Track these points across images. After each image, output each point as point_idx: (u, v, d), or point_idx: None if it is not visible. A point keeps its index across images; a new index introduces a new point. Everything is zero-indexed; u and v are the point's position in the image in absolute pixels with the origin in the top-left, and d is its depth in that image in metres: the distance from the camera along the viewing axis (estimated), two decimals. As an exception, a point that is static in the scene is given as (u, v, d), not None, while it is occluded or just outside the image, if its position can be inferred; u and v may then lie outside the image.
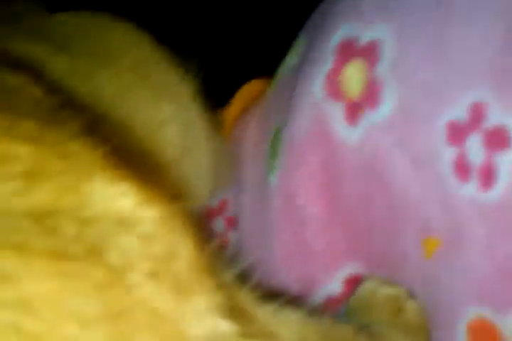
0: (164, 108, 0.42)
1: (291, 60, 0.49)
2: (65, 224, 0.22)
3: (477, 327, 0.35)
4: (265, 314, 0.30)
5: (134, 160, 0.28)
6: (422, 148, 0.38)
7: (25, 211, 0.21)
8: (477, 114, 0.35)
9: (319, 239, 0.44)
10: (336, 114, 0.42)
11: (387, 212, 0.40)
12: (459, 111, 0.36)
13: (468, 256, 0.36)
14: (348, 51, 0.42)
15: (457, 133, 0.36)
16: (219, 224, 0.50)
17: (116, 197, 0.24)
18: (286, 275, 0.45)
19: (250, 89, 0.52)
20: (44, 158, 0.23)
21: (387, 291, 0.41)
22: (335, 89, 0.42)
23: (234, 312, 0.26)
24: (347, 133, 0.42)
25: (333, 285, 0.44)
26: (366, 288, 0.42)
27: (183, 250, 0.25)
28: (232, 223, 0.49)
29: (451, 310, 0.37)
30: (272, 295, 0.32)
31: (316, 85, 0.43)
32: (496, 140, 0.34)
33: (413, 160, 0.38)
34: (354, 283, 0.44)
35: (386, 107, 0.39)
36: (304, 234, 0.44)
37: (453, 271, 0.36)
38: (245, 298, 0.29)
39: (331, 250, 0.44)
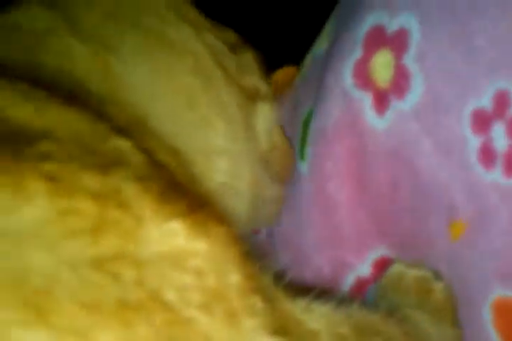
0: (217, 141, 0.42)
1: (318, 48, 0.50)
2: (126, 270, 0.24)
3: (501, 306, 0.36)
4: (299, 311, 0.32)
5: (185, 188, 0.30)
6: (448, 135, 0.39)
7: (91, 262, 0.23)
8: (501, 102, 0.36)
9: (349, 224, 0.45)
10: (364, 102, 0.43)
11: (414, 198, 0.42)
12: (483, 99, 0.37)
13: (492, 238, 0.37)
14: (377, 40, 0.43)
15: (482, 121, 0.37)
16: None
17: (169, 236, 0.25)
18: (318, 259, 0.47)
19: (278, 77, 0.53)
20: (103, 211, 0.24)
21: (415, 273, 0.43)
22: (364, 78, 0.43)
23: (280, 323, 0.28)
24: (375, 121, 0.43)
25: (363, 268, 0.46)
26: (395, 270, 0.44)
27: (234, 277, 0.27)
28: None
29: (476, 290, 0.38)
30: (303, 286, 0.34)
31: (345, 74, 0.44)
32: (520, 128, 0.35)
33: (440, 147, 0.40)
34: (383, 265, 0.45)
35: (413, 96, 0.41)
36: (334, 219, 0.46)
37: (478, 253, 0.38)
38: (283, 300, 0.31)
39: (361, 234, 0.45)
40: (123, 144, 0.28)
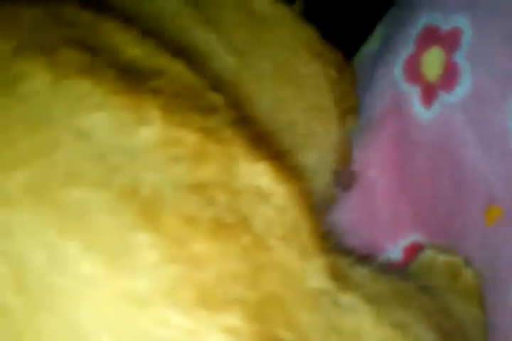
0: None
1: (370, 47, 0.53)
2: (221, 195, 0.27)
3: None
4: (346, 266, 0.35)
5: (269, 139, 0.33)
6: (491, 127, 0.42)
7: (191, 185, 0.26)
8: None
9: (387, 209, 0.48)
10: (413, 94, 0.46)
11: (453, 186, 0.44)
12: None
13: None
14: (430, 38, 0.46)
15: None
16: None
17: (257, 174, 0.29)
18: (352, 240, 0.49)
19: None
20: (205, 144, 0.27)
21: (445, 258, 0.45)
22: (414, 72, 0.46)
23: (333, 271, 0.31)
24: (422, 113, 0.46)
25: (395, 252, 0.48)
26: (427, 255, 0.46)
27: (305, 219, 0.30)
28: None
29: (506, 273, 0.41)
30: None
31: (396, 67, 0.47)
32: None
33: (482, 138, 0.42)
34: (414, 250, 0.48)
35: (461, 90, 0.44)
36: (373, 203, 0.48)
37: (511, 239, 0.40)
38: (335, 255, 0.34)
39: (397, 219, 0.48)
40: (219, 98, 0.31)
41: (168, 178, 0.26)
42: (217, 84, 0.36)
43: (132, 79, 0.27)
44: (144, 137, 0.26)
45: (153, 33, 0.35)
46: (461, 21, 0.44)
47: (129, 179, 0.25)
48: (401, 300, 0.36)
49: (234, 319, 0.24)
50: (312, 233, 0.30)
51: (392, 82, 0.47)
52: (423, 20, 0.47)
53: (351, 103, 0.49)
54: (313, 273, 0.29)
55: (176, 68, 0.31)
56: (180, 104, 0.28)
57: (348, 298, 0.30)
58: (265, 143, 0.30)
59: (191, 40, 0.39)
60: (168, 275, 0.24)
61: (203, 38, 0.40)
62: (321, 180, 0.46)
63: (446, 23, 0.45)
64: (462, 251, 0.45)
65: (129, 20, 0.35)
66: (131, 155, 0.25)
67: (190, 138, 0.27)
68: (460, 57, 0.44)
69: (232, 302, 0.24)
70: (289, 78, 0.44)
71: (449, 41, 0.45)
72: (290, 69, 0.45)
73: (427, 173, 0.46)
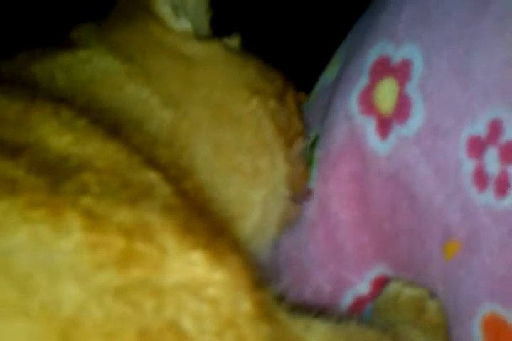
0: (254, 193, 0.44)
1: (328, 76, 0.53)
2: (147, 299, 0.26)
3: (490, 322, 0.38)
4: (300, 329, 0.34)
5: (207, 216, 0.32)
6: (445, 160, 0.41)
7: (116, 292, 0.25)
8: (495, 129, 0.39)
9: (350, 243, 0.48)
10: (368, 127, 0.46)
11: (412, 219, 0.44)
12: (479, 126, 0.39)
13: (483, 258, 0.39)
14: (382, 69, 0.46)
15: (477, 146, 0.40)
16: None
17: (189, 266, 0.27)
18: (319, 277, 0.49)
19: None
20: (131, 244, 0.27)
21: (410, 292, 0.45)
22: (368, 104, 0.46)
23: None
24: (378, 146, 0.45)
25: (362, 286, 0.48)
26: (392, 288, 0.46)
27: (245, 305, 0.28)
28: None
29: (467, 307, 0.40)
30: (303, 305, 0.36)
31: (351, 100, 0.47)
32: (509, 153, 0.38)
33: (437, 171, 0.42)
34: (381, 283, 0.47)
35: (415, 122, 0.43)
36: (336, 237, 0.48)
37: (470, 272, 0.40)
38: (286, 319, 0.33)
39: (361, 253, 0.47)
40: (153, 176, 0.31)
41: (92, 289, 0.25)
42: (154, 148, 0.35)
43: (53, 181, 0.27)
44: (65, 249, 0.25)
45: (86, 106, 0.35)
46: (411, 53, 0.44)
47: (49, 301, 0.24)
48: None
49: None
50: (254, 314, 0.29)
51: (348, 114, 0.47)
52: (375, 50, 0.46)
53: (296, 128, 0.49)
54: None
55: (107, 151, 0.30)
56: (106, 201, 0.27)
57: None
58: (199, 221, 0.29)
59: (126, 100, 0.39)
60: None
61: (137, 96, 0.39)
62: (272, 215, 0.46)
63: (397, 54, 0.45)
64: (425, 286, 0.44)
65: (63, 93, 0.35)
66: (51, 273, 0.25)
67: (116, 242, 0.26)
68: (412, 89, 0.44)
69: None
70: (227, 121, 0.44)
71: (401, 73, 0.44)
72: (227, 112, 0.44)
73: (386, 206, 0.45)
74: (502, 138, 0.38)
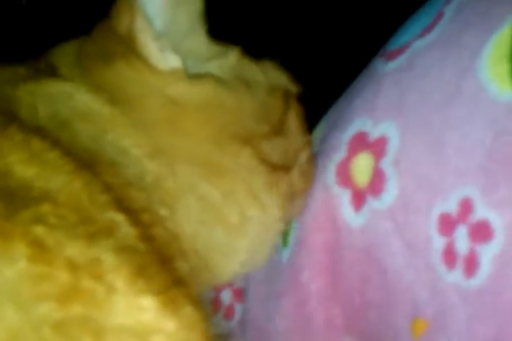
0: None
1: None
2: (85, 336, 0.25)
3: None
4: None
5: (168, 264, 0.32)
6: (416, 235, 0.42)
7: (54, 325, 0.25)
8: (465, 208, 0.39)
9: (319, 315, 0.47)
10: (343, 199, 0.46)
11: (381, 294, 0.44)
12: (450, 204, 0.40)
13: (450, 337, 0.39)
14: (359, 144, 0.46)
15: (447, 224, 0.40)
16: (226, 295, 0.54)
17: (136, 311, 0.27)
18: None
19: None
20: (76, 280, 0.26)
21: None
22: (344, 177, 0.47)
23: None
24: (352, 218, 0.46)
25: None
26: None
27: None
28: (240, 295, 0.53)
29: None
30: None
31: (329, 171, 0.47)
32: (479, 232, 0.38)
33: (408, 246, 0.42)
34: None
35: (388, 196, 0.44)
36: (305, 309, 0.47)
37: (436, 352, 0.39)
38: None
39: (329, 326, 0.47)
40: (118, 217, 0.30)
41: (30, 319, 0.25)
42: (129, 190, 0.35)
43: (10, 208, 0.27)
44: (8, 276, 0.25)
45: (66, 139, 0.34)
46: (389, 129, 0.45)
47: None
48: None
49: None
50: None
51: (325, 184, 0.48)
52: (354, 125, 0.47)
53: (298, 145, 0.48)
54: None
55: (73, 186, 0.30)
56: (59, 234, 0.27)
57: None
58: (158, 268, 0.29)
59: (107, 145, 0.37)
60: None
61: (118, 144, 0.38)
62: (264, 246, 0.46)
63: (375, 131, 0.46)
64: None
65: (44, 122, 0.35)
66: None
67: (61, 275, 0.26)
68: (386, 164, 0.44)
69: None
70: (215, 176, 0.42)
71: (377, 148, 0.45)
72: (215, 167, 0.42)
73: (356, 280, 0.45)
74: (472, 216, 0.39)
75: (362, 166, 0.46)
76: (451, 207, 0.40)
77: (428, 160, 0.42)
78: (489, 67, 0.41)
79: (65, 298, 0.26)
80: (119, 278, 0.27)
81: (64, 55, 0.43)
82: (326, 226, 0.47)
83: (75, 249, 0.27)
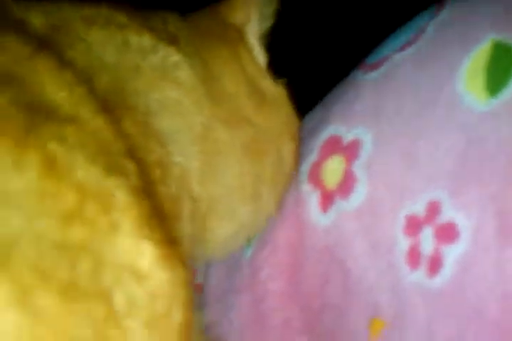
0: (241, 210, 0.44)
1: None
2: (85, 260, 0.25)
3: None
4: None
5: (169, 223, 0.32)
6: (382, 236, 0.42)
7: (54, 242, 0.25)
8: (433, 210, 0.40)
9: (276, 315, 0.46)
10: (312, 199, 0.47)
11: (341, 296, 0.44)
12: (418, 206, 0.41)
13: (407, 337, 0.39)
14: (332, 147, 0.47)
15: (414, 225, 0.40)
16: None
17: (137, 254, 0.27)
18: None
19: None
20: (83, 204, 0.26)
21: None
22: (315, 178, 0.47)
23: None
24: (318, 218, 0.46)
25: (280, 362, 0.46)
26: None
27: (177, 316, 0.28)
28: (200, 290, 0.52)
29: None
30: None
31: (301, 172, 0.48)
32: (444, 233, 0.39)
33: (372, 247, 0.42)
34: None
35: (356, 198, 0.44)
36: (261, 307, 0.47)
37: (392, 352, 0.39)
38: None
39: (285, 326, 0.46)
40: (131, 165, 0.30)
41: (34, 229, 0.24)
42: (148, 141, 0.34)
43: (33, 121, 0.26)
44: (16, 185, 0.24)
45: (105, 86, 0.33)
46: (362, 134, 0.46)
47: None
48: None
49: None
50: (183, 330, 0.28)
51: (296, 185, 0.48)
52: (328, 130, 0.48)
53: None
54: None
55: (95, 123, 0.29)
56: (77, 156, 0.26)
57: None
58: (161, 222, 0.28)
59: (164, 110, 0.37)
60: (7, 320, 0.22)
61: (188, 119, 0.38)
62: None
63: (348, 135, 0.47)
64: (346, 365, 0.43)
65: (87, 66, 0.34)
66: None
67: (68, 195, 0.25)
68: (358, 167, 0.45)
69: None
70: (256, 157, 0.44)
71: (350, 151, 0.46)
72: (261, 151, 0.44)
73: (317, 280, 0.45)
74: (439, 218, 0.39)
75: (333, 169, 0.47)
76: (419, 209, 0.41)
77: (399, 166, 0.43)
78: (466, 80, 0.42)
79: (68, 219, 0.25)
80: (126, 217, 0.27)
81: (180, 28, 0.43)
82: (292, 225, 0.47)
83: (88, 174, 0.26)
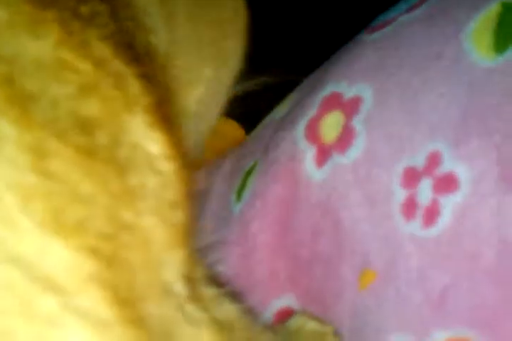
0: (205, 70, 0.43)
1: (276, 113, 0.54)
2: (102, 134, 0.25)
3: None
4: (209, 294, 0.32)
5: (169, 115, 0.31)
6: (378, 188, 0.42)
7: (70, 109, 0.24)
8: (433, 161, 0.39)
9: (263, 267, 0.46)
10: (308, 154, 0.46)
11: (331, 248, 0.43)
12: (417, 158, 0.40)
13: (400, 287, 0.38)
14: (332, 103, 0.47)
15: (412, 177, 0.40)
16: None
17: (151, 139, 0.27)
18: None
19: (227, 130, 0.57)
20: (100, 79, 0.25)
21: (314, 326, 0.43)
22: (313, 133, 0.47)
23: (189, 281, 0.28)
24: (313, 173, 0.45)
25: (266, 316, 0.45)
26: (296, 321, 0.44)
27: (181, 210, 0.28)
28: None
29: (373, 339, 0.38)
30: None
31: (298, 127, 0.47)
32: (444, 184, 0.38)
33: (367, 198, 0.42)
34: (285, 316, 0.45)
35: (354, 151, 0.44)
36: (250, 260, 0.46)
37: (383, 301, 0.39)
38: (199, 274, 0.31)
39: (272, 279, 0.45)
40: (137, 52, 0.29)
41: (50, 94, 0.23)
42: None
43: None
44: (31, 50, 0.24)
45: None
46: (363, 91, 0.46)
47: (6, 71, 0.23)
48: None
49: (86, 241, 0.22)
50: (186, 228, 0.27)
51: (293, 139, 0.47)
52: (329, 87, 0.48)
53: None
54: (171, 266, 0.26)
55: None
56: (96, 31, 0.26)
57: (193, 310, 0.27)
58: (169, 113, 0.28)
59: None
60: (22, 176, 0.21)
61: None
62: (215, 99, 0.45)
63: (349, 91, 0.46)
64: (333, 317, 0.42)
65: None
66: (17, 63, 0.23)
67: (84, 66, 0.25)
68: (357, 122, 0.45)
69: (83, 231, 0.22)
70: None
71: (350, 107, 0.46)
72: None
73: (307, 233, 0.44)
74: (438, 169, 0.39)
75: (331, 124, 0.46)
76: (418, 160, 0.40)
77: (400, 118, 0.43)
78: (473, 37, 0.42)
79: (84, 91, 0.24)
80: (140, 102, 0.26)
81: None
82: (286, 179, 0.46)
83: (103, 52, 0.26)
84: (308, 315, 0.44)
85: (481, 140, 0.38)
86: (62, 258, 0.21)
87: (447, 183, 0.38)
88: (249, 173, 0.50)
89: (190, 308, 0.27)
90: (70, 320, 0.20)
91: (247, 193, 0.48)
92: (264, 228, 0.46)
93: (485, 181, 0.37)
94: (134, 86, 0.26)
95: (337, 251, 0.43)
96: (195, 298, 0.28)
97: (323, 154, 0.46)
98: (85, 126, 0.24)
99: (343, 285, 0.42)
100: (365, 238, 0.41)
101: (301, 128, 0.47)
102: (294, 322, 0.44)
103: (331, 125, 0.46)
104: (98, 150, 0.24)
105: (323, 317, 0.43)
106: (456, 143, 0.39)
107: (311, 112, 0.48)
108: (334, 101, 0.47)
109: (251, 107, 0.58)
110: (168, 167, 0.27)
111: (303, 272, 0.44)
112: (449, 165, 0.39)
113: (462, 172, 0.38)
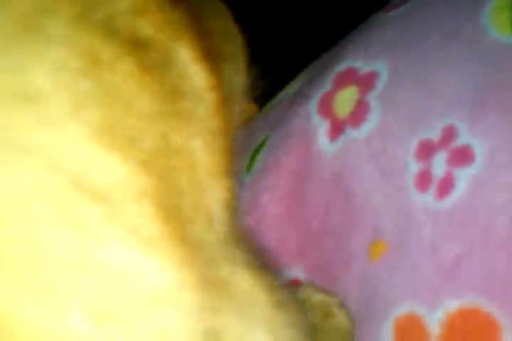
0: None
1: (289, 90, 0.54)
2: (155, 53, 0.24)
3: (405, 322, 0.37)
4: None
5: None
6: (392, 161, 0.42)
7: (126, 25, 0.24)
8: (448, 134, 0.40)
9: (273, 238, 0.46)
10: (321, 127, 0.46)
11: (342, 220, 0.43)
12: (433, 132, 0.41)
13: (411, 257, 0.38)
14: (347, 78, 0.47)
15: (427, 150, 0.40)
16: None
17: (193, 70, 0.26)
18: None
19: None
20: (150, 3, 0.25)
21: (321, 297, 0.43)
22: (327, 107, 0.47)
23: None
24: (326, 147, 0.46)
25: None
26: (302, 293, 0.44)
27: (222, 140, 0.27)
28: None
29: (382, 309, 0.39)
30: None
31: (311, 102, 0.47)
32: (458, 157, 0.39)
33: (381, 171, 0.42)
34: (294, 286, 0.45)
35: (368, 126, 0.44)
36: (260, 231, 0.46)
37: (394, 271, 0.39)
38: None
39: (282, 248, 0.46)
40: None
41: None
42: None
43: None
44: None
45: None
46: (379, 66, 0.46)
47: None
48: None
49: (139, 156, 0.22)
50: (227, 159, 0.28)
51: (307, 114, 0.47)
52: (344, 63, 0.48)
53: None
54: (215, 194, 0.26)
55: None
56: None
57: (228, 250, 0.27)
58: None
59: None
60: (74, 80, 0.21)
61: None
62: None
63: (365, 67, 0.46)
64: (341, 288, 0.43)
65: None
66: None
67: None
68: (372, 97, 0.45)
69: (137, 146, 0.22)
70: None
71: (365, 82, 0.46)
72: None
73: (319, 205, 0.45)
74: (454, 142, 0.39)
75: (346, 99, 0.46)
76: (434, 134, 0.40)
77: (416, 93, 0.43)
78: (492, 15, 0.42)
79: (138, 10, 0.24)
80: (184, 35, 0.26)
81: None
82: (298, 152, 0.47)
83: None
84: (315, 287, 0.44)
85: (497, 115, 0.38)
86: (113, 170, 0.20)
87: (463, 156, 0.38)
88: (259, 147, 0.50)
89: (225, 249, 0.26)
90: (115, 232, 0.20)
91: (257, 164, 0.48)
92: (274, 200, 0.46)
93: (500, 155, 0.37)
94: (180, 16, 0.26)
95: (348, 223, 0.43)
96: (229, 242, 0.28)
97: (337, 128, 0.46)
98: (140, 42, 0.23)
99: (353, 256, 0.42)
100: (377, 210, 0.41)
101: (314, 102, 0.47)
102: (301, 294, 0.44)
103: (345, 100, 0.46)
104: (153, 68, 0.23)
105: (330, 287, 0.43)
106: (473, 117, 0.39)
107: (326, 87, 0.48)
108: (349, 76, 0.47)
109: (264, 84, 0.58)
110: (210, 97, 0.26)
111: (313, 244, 0.45)
112: (465, 138, 0.39)
113: (478, 145, 0.38)
